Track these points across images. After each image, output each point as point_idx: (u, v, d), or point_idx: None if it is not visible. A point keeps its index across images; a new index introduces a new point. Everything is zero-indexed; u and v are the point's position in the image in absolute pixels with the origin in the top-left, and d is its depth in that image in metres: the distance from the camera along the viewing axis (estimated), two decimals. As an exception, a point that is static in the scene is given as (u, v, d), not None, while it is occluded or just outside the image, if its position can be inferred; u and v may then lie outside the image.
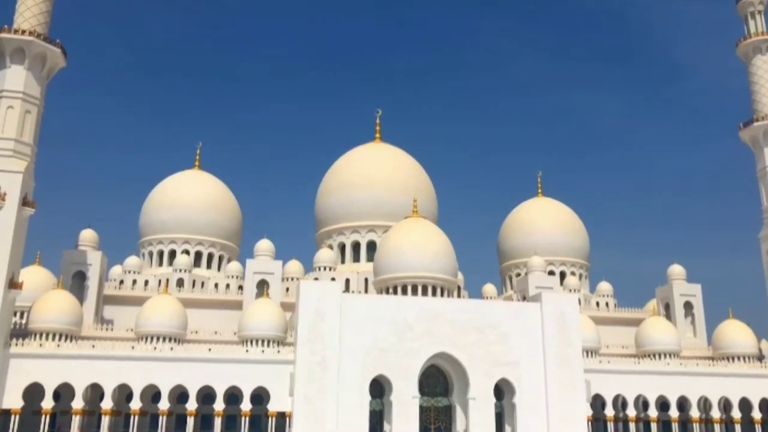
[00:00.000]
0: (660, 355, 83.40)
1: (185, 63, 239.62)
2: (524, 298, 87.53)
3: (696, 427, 79.31)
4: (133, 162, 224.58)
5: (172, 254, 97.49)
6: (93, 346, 66.58)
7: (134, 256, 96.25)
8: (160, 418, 66.08)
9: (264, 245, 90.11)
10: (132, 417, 65.67)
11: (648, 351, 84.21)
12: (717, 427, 79.85)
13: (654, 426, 77.36)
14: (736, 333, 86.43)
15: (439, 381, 72.48)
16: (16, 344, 64.74)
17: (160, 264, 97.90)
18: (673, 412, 78.09)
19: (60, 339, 68.18)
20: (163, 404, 65.70)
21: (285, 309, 77.76)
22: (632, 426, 77.61)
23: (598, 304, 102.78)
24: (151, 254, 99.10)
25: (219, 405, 66.64)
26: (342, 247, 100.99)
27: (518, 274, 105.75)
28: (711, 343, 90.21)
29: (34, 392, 63.88)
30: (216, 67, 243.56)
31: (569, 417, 70.60)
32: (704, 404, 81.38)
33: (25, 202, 66.91)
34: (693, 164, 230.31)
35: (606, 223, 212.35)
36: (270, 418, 67.48)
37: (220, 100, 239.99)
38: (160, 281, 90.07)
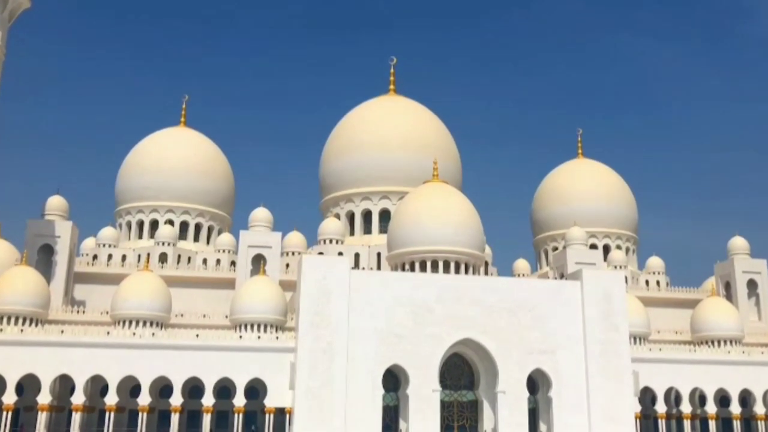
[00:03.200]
0: (719, 342, 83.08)
1: (168, 3, 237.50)
2: (562, 276, 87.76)
3: (761, 425, 79.35)
4: (108, 118, 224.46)
5: (154, 225, 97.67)
6: (62, 332, 66.68)
7: (110, 227, 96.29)
8: (140, 414, 66.03)
9: (260, 214, 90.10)
10: (107, 413, 65.55)
11: (705, 337, 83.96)
12: (786, 425, 79.76)
13: (712, 424, 77.43)
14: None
15: (463, 372, 72.46)
16: (-27, 329, 64.76)
17: (140, 236, 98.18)
18: (735, 408, 77.98)
19: (24, 323, 68.13)
20: (144, 399, 65.70)
21: (284, 288, 77.88)
22: (687, 424, 77.64)
23: (647, 282, 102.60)
24: (129, 225, 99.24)
25: (208, 400, 66.66)
26: (351, 217, 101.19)
27: (555, 248, 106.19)
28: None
29: (-6, 385, 63.82)
30: (204, 8, 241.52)
31: (614, 413, 70.56)
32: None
33: (-19, 164, 66.10)
34: (756, 121, 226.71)
35: (657, 189, 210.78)
36: (267, 415, 67.48)
37: (208, 46, 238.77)
38: (139, 256, 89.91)
